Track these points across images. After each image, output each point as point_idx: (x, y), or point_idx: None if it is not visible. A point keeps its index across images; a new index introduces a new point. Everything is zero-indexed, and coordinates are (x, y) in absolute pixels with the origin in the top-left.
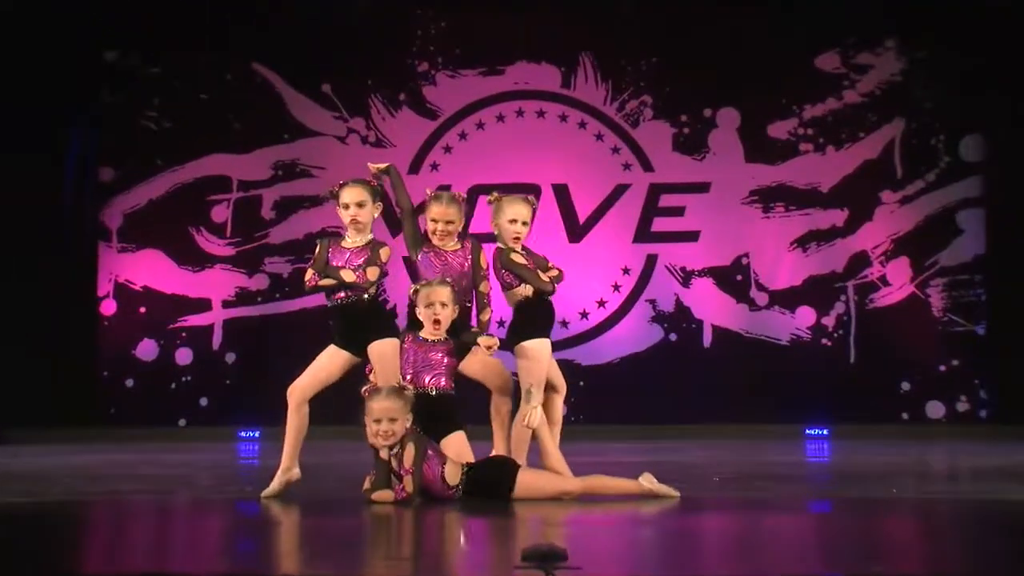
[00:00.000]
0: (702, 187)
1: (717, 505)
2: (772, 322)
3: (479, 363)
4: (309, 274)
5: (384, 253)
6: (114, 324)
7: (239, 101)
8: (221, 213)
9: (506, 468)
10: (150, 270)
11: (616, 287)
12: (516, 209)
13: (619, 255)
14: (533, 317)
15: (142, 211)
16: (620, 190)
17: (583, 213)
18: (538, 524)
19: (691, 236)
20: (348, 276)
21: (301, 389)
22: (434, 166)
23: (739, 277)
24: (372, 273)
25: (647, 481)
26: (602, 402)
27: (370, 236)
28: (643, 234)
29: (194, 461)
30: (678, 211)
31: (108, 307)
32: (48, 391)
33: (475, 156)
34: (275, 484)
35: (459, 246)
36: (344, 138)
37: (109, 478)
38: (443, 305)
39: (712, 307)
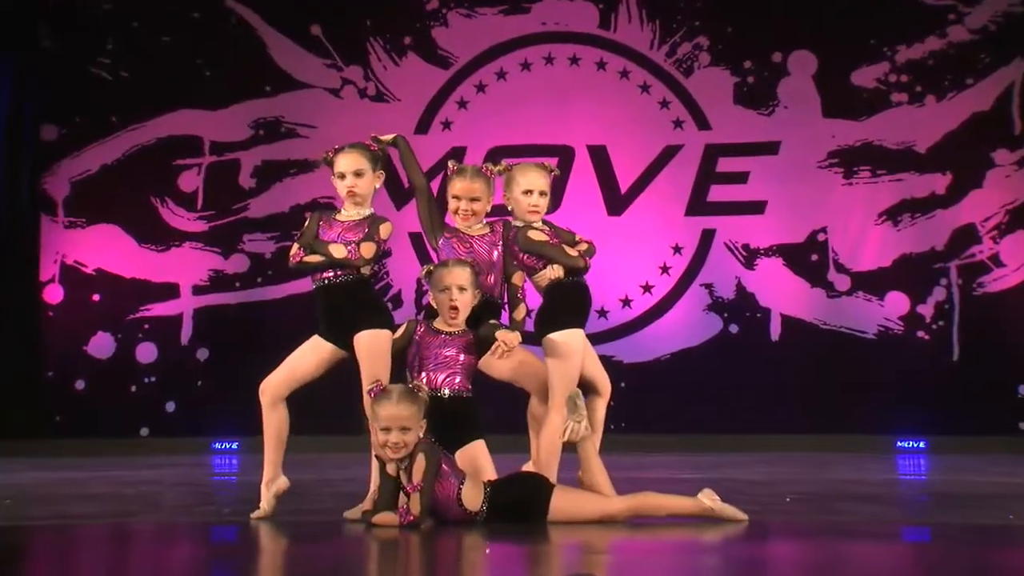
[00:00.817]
0: (770, 148)
1: (789, 531)
2: (855, 311)
3: (510, 360)
4: (294, 249)
5: (384, 229)
6: (61, 314)
7: (211, 46)
8: (190, 181)
9: (538, 488)
10: (104, 249)
11: (665, 269)
12: (530, 178)
13: (669, 231)
14: (563, 303)
15: (94, 178)
16: (670, 152)
17: (625, 181)
18: (576, 552)
19: (756, 207)
20: (338, 251)
21: (274, 385)
22: (446, 124)
23: (815, 257)
24: (367, 250)
25: (708, 499)
26: (647, 407)
27: (369, 210)
28: (698, 205)
29: (159, 478)
30: (740, 177)
31: (53, 294)
32: None
33: (495, 112)
34: (264, 503)
35: (487, 230)
36: (338, 91)
37: (55, 499)
38: (461, 289)
39: (781, 293)
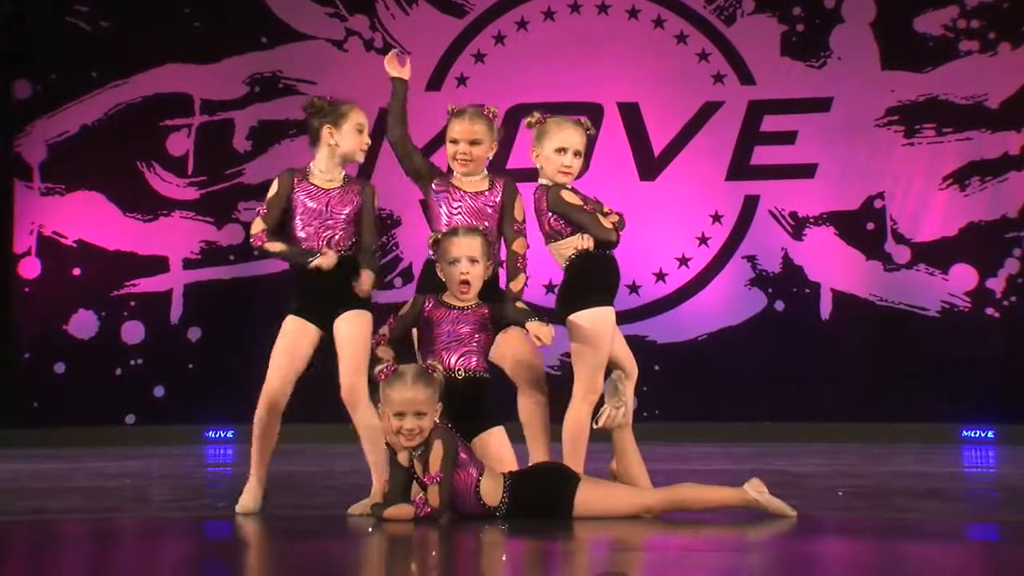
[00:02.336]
0: (821, 104)
1: (843, 528)
2: (916, 286)
3: (510, 347)
4: (257, 226)
5: (376, 199)
6: (38, 290)
7: None
8: (180, 143)
9: (563, 480)
10: (86, 219)
11: (703, 240)
12: (566, 135)
13: (708, 197)
14: (591, 278)
15: (73, 140)
16: (710, 110)
17: (659, 142)
18: (607, 549)
19: (805, 171)
20: (327, 262)
21: (282, 394)
22: (461, 80)
23: (870, 225)
24: (366, 283)
25: (754, 490)
26: (684, 392)
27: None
28: (740, 169)
29: (146, 470)
30: (788, 137)
31: (30, 268)
32: None
33: (515, 66)
34: (247, 497)
35: (486, 184)
36: (342, 43)
37: (32, 493)
38: (472, 261)
39: (833, 265)
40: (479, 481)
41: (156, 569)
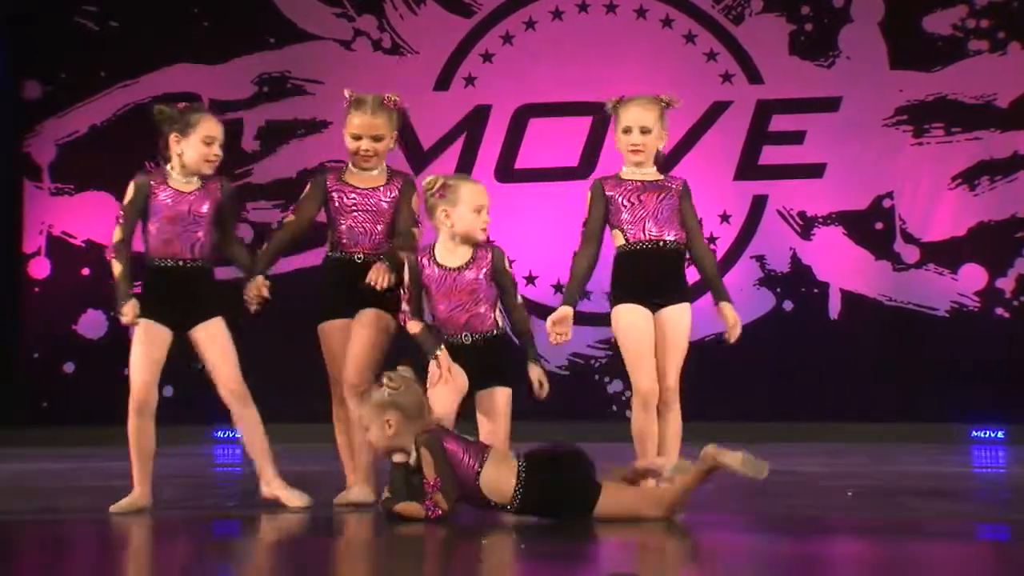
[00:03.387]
0: (829, 104)
1: (851, 528)
2: (925, 285)
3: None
4: (115, 236)
5: (231, 192)
6: (48, 290)
7: None
8: None
9: (582, 487)
10: (95, 219)
11: (711, 239)
12: (630, 113)
13: (716, 196)
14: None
15: (82, 140)
16: (718, 109)
17: (668, 141)
18: (621, 550)
19: (814, 171)
20: (126, 320)
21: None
22: (469, 80)
23: (879, 225)
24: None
25: (714, 452)
26: (691, 392)
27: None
28: (748, 168)
29: (155, 469)
30: (796, 137)
31: (39, 268)
32: None
33: (523, 66)
34: (126, 501)
35: (383, 180)
36: (350, 43)
37: (41, 493)
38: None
39: (842, 265)
40: (479, 475)
41: (164, 568)
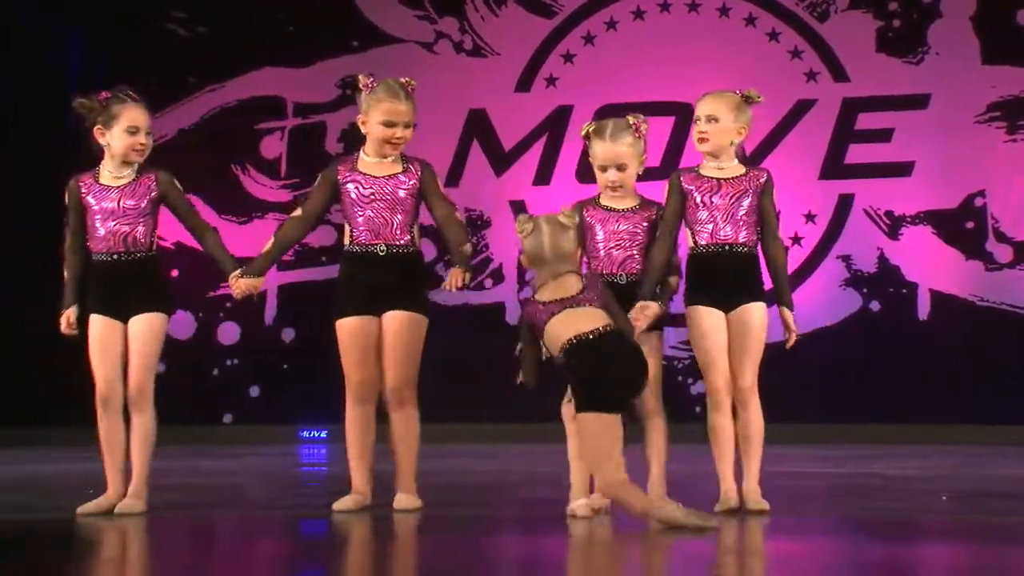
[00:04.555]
0: (918, 101)
1: (946, 532)
2: (1019, 286)
3: None
4: (67, 240)
5: (169, 184)
6: None
7: None
8: (273, 146)
9: (600, 390)
10: None
11: (796, 239)
12: (700, 104)
13: (801, 196)
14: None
15: (170, 145)
16: (802, 108)
17: (751, 141)
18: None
19: (902, 169)
20: (66, 332)
21: (105, 398)
22: (550, 81)
23: (970, 224)
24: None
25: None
26: (779, 393)
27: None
28: (834, 167)
29: (242, 468)
30: (884, 135)
31: None
32: (50, 381)
33: (605, 67)
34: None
35: (399, 167)
36: (432, 45)
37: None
38: (620, 168)
39: (931, 265)
40: (545, 324)
41: (253, 565)
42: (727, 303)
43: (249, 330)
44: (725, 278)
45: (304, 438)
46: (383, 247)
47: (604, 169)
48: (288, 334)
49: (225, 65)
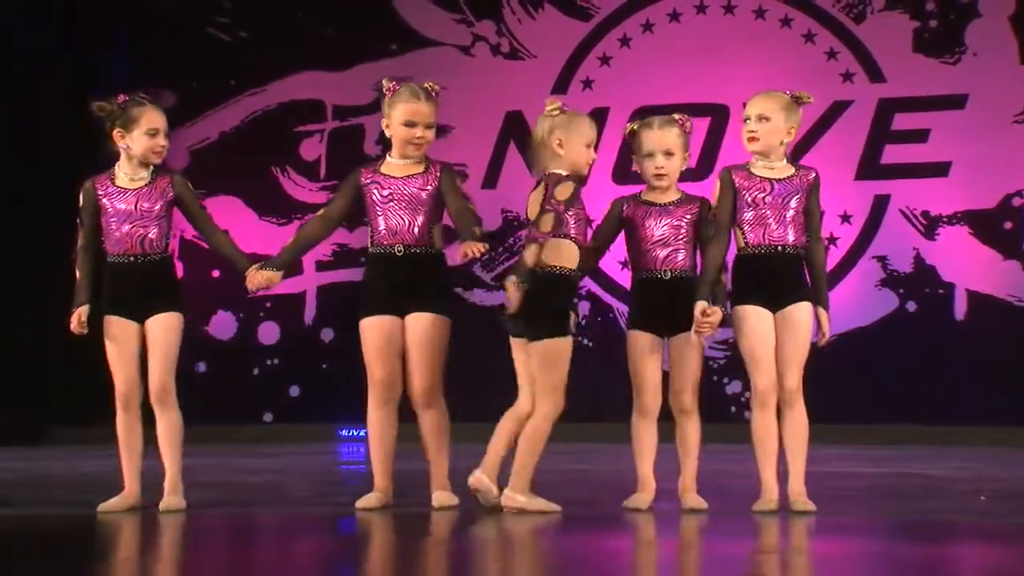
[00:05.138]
0: (955, 102)
1: (985, 533)
2: None
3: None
4: (79, 242)
5: (184, 187)
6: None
7: (333, 2)
8: (312, 148)
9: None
10: (224, 222)
11: (832, 240)
12: (751, 104)
13: (837, 197)
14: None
15: (212, 147)
16: (838, 108)
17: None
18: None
19: (938, 169)
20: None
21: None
22: (587, 83)
23: (1008, 224)
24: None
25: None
26: (815, 393)
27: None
28: (870, 168)
29: (282, 466)
30: (919, 135)
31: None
32: (95, 379)
33: (641, 68)
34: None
35: (420, 168)
36: (469, 48)
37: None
38: (668, 154)
39: (968, 266)
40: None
41: (290, 562)
42: (775, 303)
43: (289, 330)
44: (774, 278)
45: (343, 436)
46: (401, 248)
47: (652, 155)
48: (327, 334)
49: (266, 69)
